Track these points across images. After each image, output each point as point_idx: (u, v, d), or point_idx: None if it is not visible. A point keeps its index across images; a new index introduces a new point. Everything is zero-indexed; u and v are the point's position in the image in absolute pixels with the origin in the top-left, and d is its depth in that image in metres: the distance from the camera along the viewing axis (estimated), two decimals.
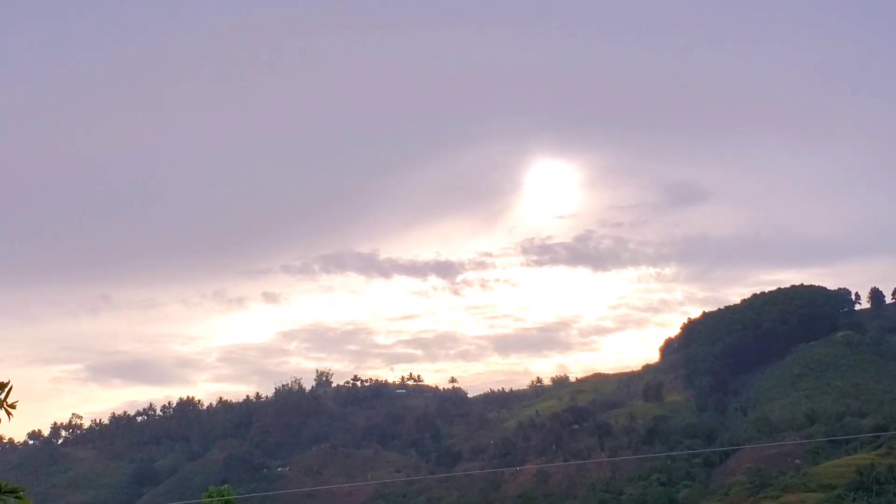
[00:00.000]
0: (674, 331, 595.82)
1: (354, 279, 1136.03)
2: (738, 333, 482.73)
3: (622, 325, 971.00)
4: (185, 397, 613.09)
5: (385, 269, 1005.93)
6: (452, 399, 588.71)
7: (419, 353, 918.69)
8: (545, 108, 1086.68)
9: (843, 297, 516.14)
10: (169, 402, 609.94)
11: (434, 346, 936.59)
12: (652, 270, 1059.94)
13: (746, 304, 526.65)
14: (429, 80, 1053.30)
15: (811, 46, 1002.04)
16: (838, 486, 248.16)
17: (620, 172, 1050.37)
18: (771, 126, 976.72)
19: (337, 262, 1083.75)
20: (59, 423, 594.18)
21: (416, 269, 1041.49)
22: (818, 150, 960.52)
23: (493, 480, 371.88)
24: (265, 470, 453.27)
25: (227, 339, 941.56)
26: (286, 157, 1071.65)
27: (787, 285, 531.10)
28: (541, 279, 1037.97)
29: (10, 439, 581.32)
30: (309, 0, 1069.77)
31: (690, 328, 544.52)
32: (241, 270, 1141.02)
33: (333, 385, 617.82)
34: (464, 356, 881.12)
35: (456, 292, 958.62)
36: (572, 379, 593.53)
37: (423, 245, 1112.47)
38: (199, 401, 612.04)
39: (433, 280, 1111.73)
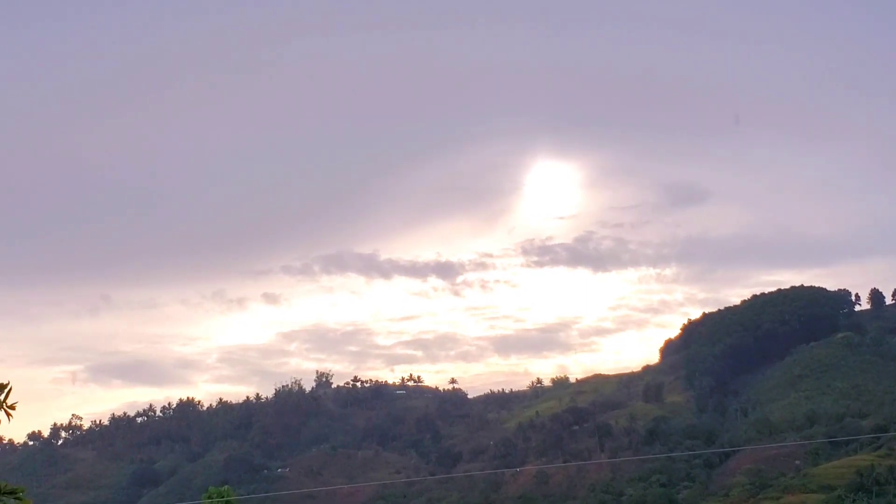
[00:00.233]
0: (674, 332, 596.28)
1: (355, 280, 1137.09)
2: (738, 334, 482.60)
3: (622, 325, 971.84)
4: (185, 398, 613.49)
5: (385, 269, 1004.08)
6: (452, 400, 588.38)
7: (419, 353, 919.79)
8: (545, 109, 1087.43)
9: (843, 298, 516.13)
10: (169, 403, 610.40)
11: (434, 346, 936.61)
12: (652, 271, 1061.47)
13: (746, 304, 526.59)
14: (429, 81, 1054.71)
15: (812, 46, 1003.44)
16: (838, 487, 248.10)
17: (621, 173, 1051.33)
18: (771, 126, 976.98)
19: (337, 263, 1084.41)
20: (59, 423, 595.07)
21: (417, 270, 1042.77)
22: (818, 151, 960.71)
23: (494, 481, 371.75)
24: (265, 471, 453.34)
25: (228, 339, 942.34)
26: (286, 158, 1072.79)
27: (788, 286, 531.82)
28: (541, 280, 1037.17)
29: (9, 440, 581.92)
30: (309, 0, 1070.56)
31: (690, 329, 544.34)
32: (241, 271, 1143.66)
33: (333, 386, 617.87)
34: (464, 357, 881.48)
35: (456, 293, 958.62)
36: (572, 380, 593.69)
37: (423, 246, 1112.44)
38: (199, 402, 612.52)
39: (433, 281, 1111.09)
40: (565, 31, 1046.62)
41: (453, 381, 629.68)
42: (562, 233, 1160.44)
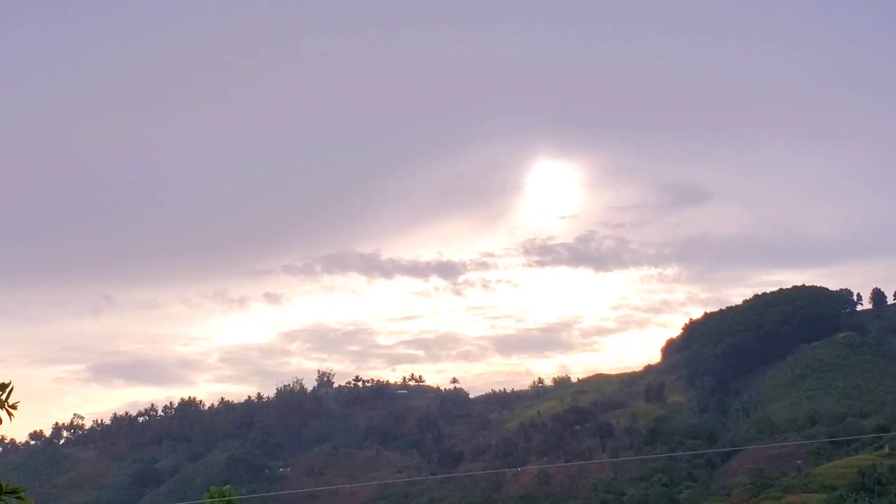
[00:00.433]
0: (675, 331, 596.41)
1: (356, 279, 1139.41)
2: (739, 334, 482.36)
3: (624, 325, 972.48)
4: (187, 398, 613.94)
5: (387, 269, 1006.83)
6: (454, 399, 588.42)
7: (421, 353, 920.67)
8: (547, 109, 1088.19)
9: (844, 298, 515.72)
10: (170, 403, 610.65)
11: (435, 346, 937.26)
12: (653, 271, 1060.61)
13: (748, 304, 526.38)
14: (430, 80, 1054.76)
15: (813, 46, 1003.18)
16: (840, 487, 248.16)
17: (622, 173, 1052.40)
18: (773, 126, 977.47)
19: (338, 263, 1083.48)
20: (60, 423, 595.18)
21: (418, 270, 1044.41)
22: (820, 151, 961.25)
23: (495, 481, 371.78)
24: (267, 470, 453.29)
25: (229, 339, 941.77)
26: (288, 158, 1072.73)
27: (789, 286, 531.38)
28: (542, 280, 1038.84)
29: (11, 440, 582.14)
30: (309, 0, 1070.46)
31: (692, 329, 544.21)
32: (242, 271, 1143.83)
33: (335, 385, 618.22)
34: (465, 357, 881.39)
35: (457, 293, 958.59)
36: (574, 379, 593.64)
37: (424, 245, 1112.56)
38: (200, 401, 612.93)
39: (435, 280, 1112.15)
40: (566, 31, 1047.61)
41: (455, 380, 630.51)
42: (563, 232, 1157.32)
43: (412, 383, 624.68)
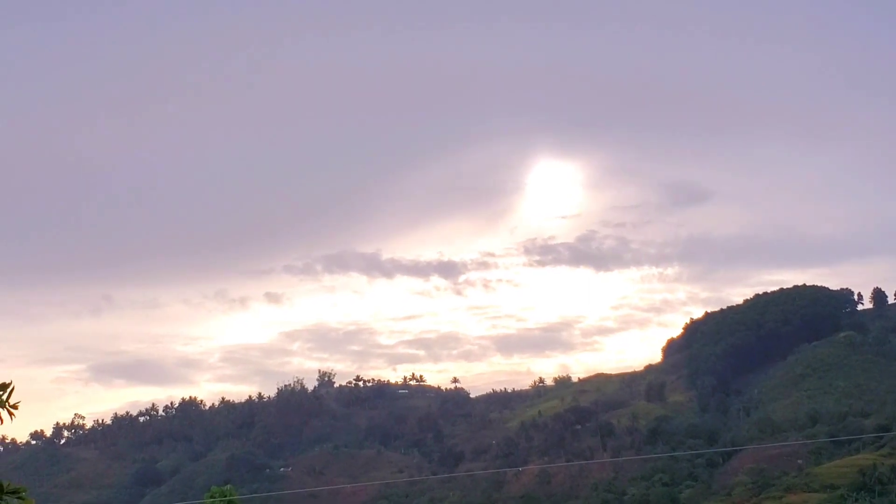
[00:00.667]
0: (676, 331, 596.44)
1: (357, 279, 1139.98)
2: (740, 334, 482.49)
3: (624, 325, 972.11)
4: (188, 397, 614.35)
5: (387, 269, 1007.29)
6: (455, 399, 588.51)
7: (421, 353, 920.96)
8: (547, 109, 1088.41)
9: (845, 298, 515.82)
10: (171, 403, 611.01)
11: (436, 346, 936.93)
12: (654, 270, 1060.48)
13: (749, 304, 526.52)
14: (431, 80, 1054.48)
15: (813, 46, 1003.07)
16: (841, 487, 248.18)
17: (623, 172, 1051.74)
18: (773, 126, 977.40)
19: (339, 263, 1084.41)
20: (61, 423, 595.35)
21: (419, 270, 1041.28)
22: (820, 151, 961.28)
23: (496, 481, 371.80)
24: (268, 470, 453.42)
25: (230, 339, 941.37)
26: (288, 158, 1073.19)
27: (790, 285, 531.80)
28: (543, 279, 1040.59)
29: (12, 439, 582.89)
30: (310, 0, 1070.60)
31: (693, 328, 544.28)
32: (243, 270, 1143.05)
33: (336, 385, 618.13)
34: (466, 356, 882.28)
35: (458, 292, 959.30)
36: (575, 379, 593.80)
37: (425, 245, 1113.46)
38: (201, 401, 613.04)
39: (435, 280, 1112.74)
40: (567, 31, 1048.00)
41: (455, 380, 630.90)
42: (564, 232, 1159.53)
43: (413, 383, 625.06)
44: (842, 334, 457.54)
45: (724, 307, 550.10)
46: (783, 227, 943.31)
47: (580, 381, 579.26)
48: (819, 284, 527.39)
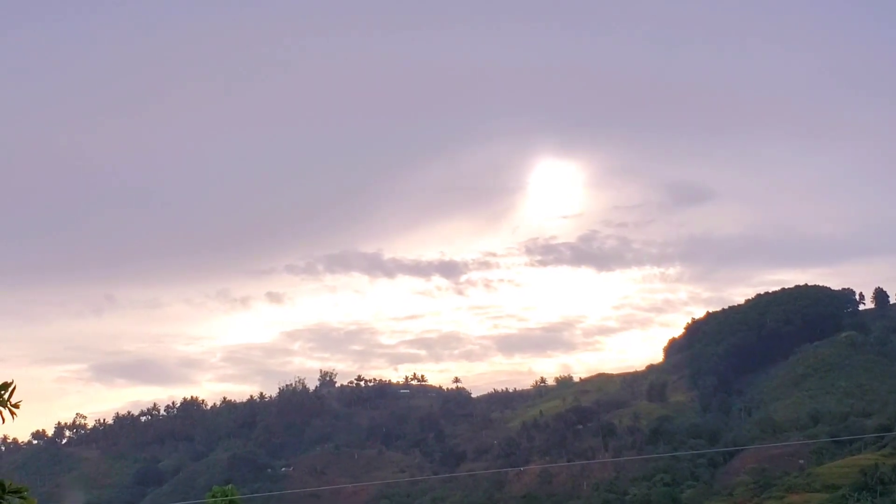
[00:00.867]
0: (678, 331, 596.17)
1: (358, 279, 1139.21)
2: (742, 333, 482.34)
3: (626, 325, 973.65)
4: (189, 397, 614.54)
5: (389, 268, 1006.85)
6: (456, 399, 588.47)
7: (423, 353, 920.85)
8: (549, 108, 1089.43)
9: (847, 298, 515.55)
10: (173, 402, 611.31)
11: (438, 346, 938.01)
12: (656, 270, 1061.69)
13: (750, 304, 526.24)
14: (432, 80, 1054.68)
15: (815, 46, 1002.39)
16: (842, 487, 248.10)
17: (624, 172, 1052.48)
18: (775, 126, 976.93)
19: (341, 262, 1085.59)
20: (63, 422, 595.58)
21: (420, 269, 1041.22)
22: (822, 150, 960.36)
23: (497, 480, 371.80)
24: (269, 470, 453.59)
25: (231, 338, 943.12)
26: (290, 157, 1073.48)
27: (791, 285, 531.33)
28: (545, 279, 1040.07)
29: (14, 439, 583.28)
30: (311, 0, 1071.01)
31: (694, 328, 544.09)
32: (244, 270, 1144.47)
33: (337, 385, 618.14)
34: (467, 356, 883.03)
35: (460, 292, 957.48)
36: (576, 379, 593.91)
37: (426, 245, 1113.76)
38: (202, 401, 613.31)
39: (437, 280, 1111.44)
40: (568, 31, 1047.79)
41: (457, 380, 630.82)
42: (565, 232, 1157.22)
43: (414, 383, 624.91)
44: (843, 334, 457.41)
45: (726, 307, 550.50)
46: (785, 227, 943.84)
47: (581, 380, 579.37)
48: (820, 284, 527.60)
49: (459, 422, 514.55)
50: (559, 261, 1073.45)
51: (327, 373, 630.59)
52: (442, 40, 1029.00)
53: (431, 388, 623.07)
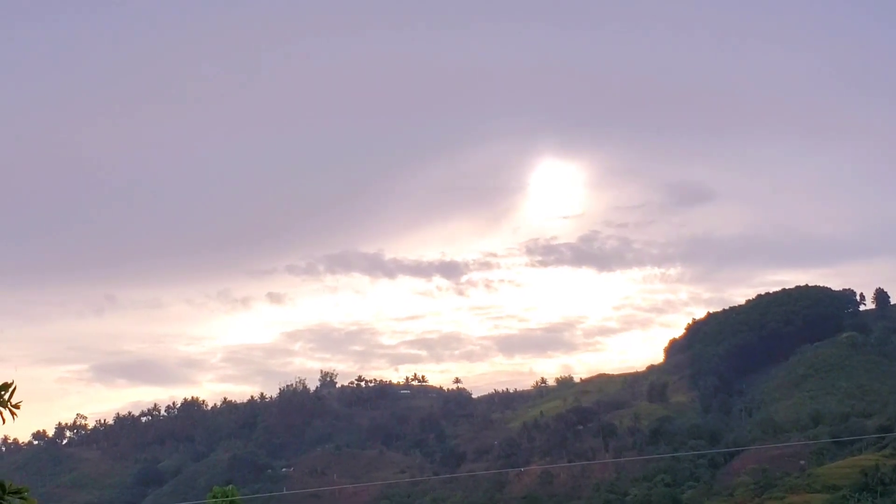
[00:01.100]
0: (678, 331, 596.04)
1: (359, 279, 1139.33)
2: (742, 334, 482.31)
3: (627, 325, 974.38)
4: (190, 397, 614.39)
5: (390, 269, 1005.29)
6: (457, 399, 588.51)
7: (424, 353, 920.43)
8: (550, 109, 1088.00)
9: (847, 298, 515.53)
10: (173, 403, 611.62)
11: (438, 346, 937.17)
12: (657, 271, 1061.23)
13: (751, 304, 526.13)
14: (433, 80, 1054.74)
15: (816, 46, 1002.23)
16: (843, 487, 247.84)
17: (625, 173, 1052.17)
18: (776, 126, 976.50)
19: (342, 263, 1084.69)
20: (63, 423, 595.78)
21: (421, 270, 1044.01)
22: (823, 151, 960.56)
23: (498, 481, 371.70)
24: (270, 470, 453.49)
25: (232, 339, 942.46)
26: (291, 157, 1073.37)
27: (792, 286, 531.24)
28: (545, 279, 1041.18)
29: (14, 439, 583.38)
30: (311, 0, 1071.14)
31: (695, 329, 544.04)
32: (245, 270, 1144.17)
33: (338, 385, 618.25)
34: (468, 357, 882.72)
35: (460, 293, 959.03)
36: (577, 379, 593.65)
37: (427, 245, 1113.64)
38: (203, 401, 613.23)
39: (438, 280, 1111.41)
40: (569, 31, 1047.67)
41: (457, 380, 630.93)
42: (566, 232, 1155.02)
43: (415, 383, 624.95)
44: (844, 335, 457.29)
45: (727, 307, 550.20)
46: (785, 228, 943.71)
47: (582, 381, 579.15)
48: (821, 285, 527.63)
49: (460, 422, 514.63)
50: (560, 261, 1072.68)
51: (328, 373, 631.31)
52: (442, 40, 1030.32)
53: (432, 388, 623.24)
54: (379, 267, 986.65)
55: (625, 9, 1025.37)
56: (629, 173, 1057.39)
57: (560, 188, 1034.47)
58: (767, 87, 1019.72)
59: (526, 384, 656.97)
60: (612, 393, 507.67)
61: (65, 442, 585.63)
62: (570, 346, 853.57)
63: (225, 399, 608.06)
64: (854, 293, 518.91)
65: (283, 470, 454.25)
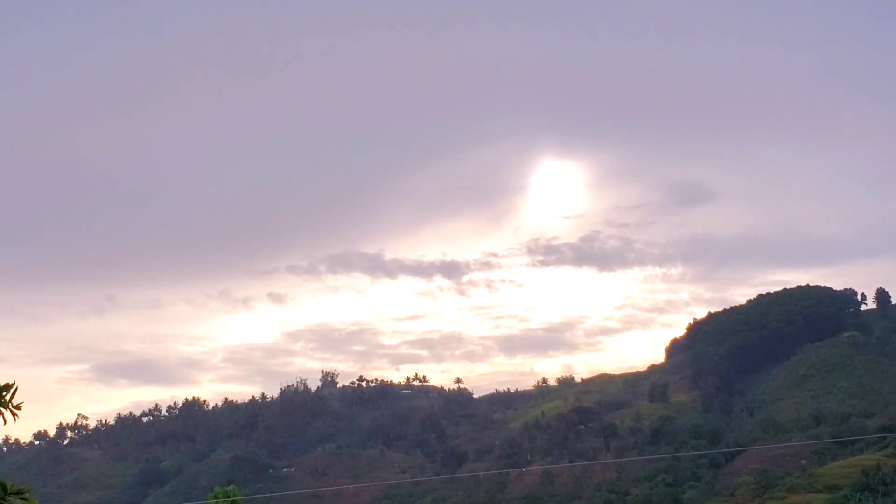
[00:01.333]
0: (679, 331, 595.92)
1: (360, 279, 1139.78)
2: (743, 334, 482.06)
3: (628, 325, 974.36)
4: (191, 398, 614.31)
5: (390, 269, 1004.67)
6: (458, 399, 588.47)
7: (424, 353, 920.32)
8: (551, 108, 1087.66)
9: (848, 298, 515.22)
10: (174, 403, 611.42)
11: (439, 346, 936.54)
12: (657, 271, 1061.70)
13: (752, 304, 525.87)
14: (434, 80, 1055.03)
15: (817, 46, 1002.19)
16: (844, 487, 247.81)
17: (626, 173, 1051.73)
18: (777, 126, 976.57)
19: (342, 263, 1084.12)
20: (64, 423, 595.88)
21: (422, 270, 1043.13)
22: (824, 151, 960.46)
23: (499, 481, 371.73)
24: (271, 470, 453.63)
25: (233, 339, 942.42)
26: (291, 157, 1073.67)
27: (793, 286, 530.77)
28: (546, 279, 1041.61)
29: (15, 440, 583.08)
30: (312, 0, 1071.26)
31: (696, 329, 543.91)
32: (246, 271, 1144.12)
33: (339, 385, 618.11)
34: (469, 357, 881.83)
35: (461, 293, 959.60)
36: (578, 379, 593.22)
37: (428, 245, 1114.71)
38: (204, 401, 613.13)
39: (439, 280, 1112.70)
40: (569, 31, 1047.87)
41: (458, 380, 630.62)
42: (567, 232, 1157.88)
43: (416, 383, 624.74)
44: (845, 335, 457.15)
45: (728, 307, 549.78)
46: (786, 227, 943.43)
47: (583, 381, 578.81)
48: (822, 285, 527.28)
49: (461, 422, 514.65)
50: (561, 261, 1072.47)
51: (329, 373, 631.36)
52: (443, 40, 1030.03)
53: (433, 388, 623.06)
54: (380, 267, 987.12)
55: (625, 9, 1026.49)
56: (630, 173, 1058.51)
57: (561, 188, 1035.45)
58: (767, 87, 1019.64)
59: (527, 384, 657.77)
60: (613, 393, 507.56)
61: (66, 442, 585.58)
62: (571, 346, 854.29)
63: (226, 399, 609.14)
64: (855, 293, 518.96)
65: (285, 470, 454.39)
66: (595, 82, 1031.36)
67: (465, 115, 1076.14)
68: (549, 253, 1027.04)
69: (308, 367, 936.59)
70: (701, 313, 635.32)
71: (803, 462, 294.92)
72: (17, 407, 16.34)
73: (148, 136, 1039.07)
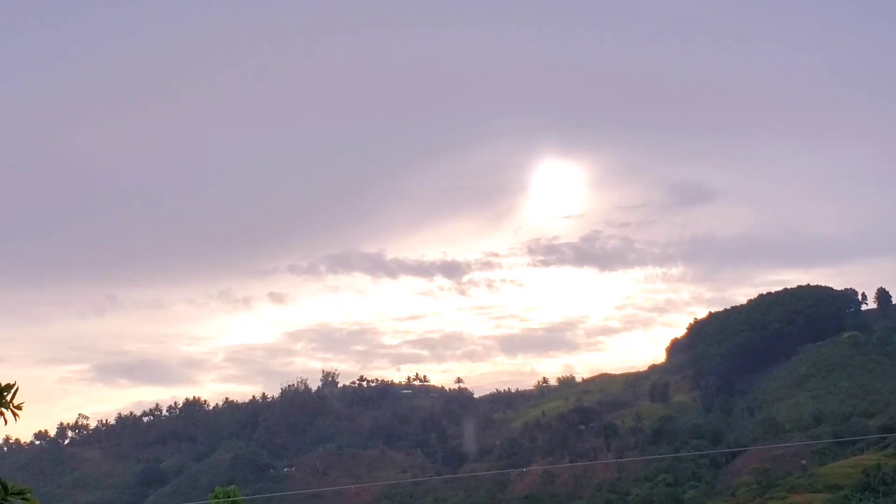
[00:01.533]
0: (680, 331, 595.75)
1: (361, 279, 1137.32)
2: (744, 334, 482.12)
3: (628, 325, 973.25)
4: (192, 397, 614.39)
5: (391, 269, 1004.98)
6: (458, 399, 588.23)
7: (425, 353, 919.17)
8: (551, 108, 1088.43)
9: (849, 298, 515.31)
10: (175, 403, 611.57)
11: (440, 346, 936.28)
12: (658, 270, 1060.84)
13: (753, 304, 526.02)
14: (435, 80, 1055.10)
15: (818, 46, 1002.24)
16: (845, 487, 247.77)
17: (627, 172, 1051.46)
18: (778, 126, 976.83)
19: (343, 263, 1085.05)
20: (65, 423, 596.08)
21: (423, 270, 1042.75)
22: (825, 150, 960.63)
23: (500, 481, 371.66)
24: (271, 470, 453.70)
25: (234, 339, 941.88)
26: (292, 157, 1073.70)
27: (794, 285, 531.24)
28: (547, 279, 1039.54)
29: (16, 440, 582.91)
30: (313, 0, 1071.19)
31: (697, 328, 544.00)
32: (247, 271, 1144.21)
33: (339, 385, 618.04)
34: (470, 356, 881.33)
35: (462, 292, 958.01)
36: (578, 379, 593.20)
37: (429, 245, 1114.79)
38: (205, 401, 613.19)
39: (439, 280, 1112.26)
40: (571, 31, 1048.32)
41: (459, 380, 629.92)
42: (568, 232, 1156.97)
43: (417, 383, 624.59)
44: (846, 334, 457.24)
45: (728, 307, 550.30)
46: (787, 227, 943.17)
47: (584, 381, 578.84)
48: (823, 284, 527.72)
49: (462, 422, 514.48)
50: (561, 261, 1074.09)
51: (329, 373, 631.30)
52: (443, 40, 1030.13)
53: (434, 388, 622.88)
54: (380, 267, 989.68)
55: (625, 9, 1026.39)
56: (630, 173, 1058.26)
57: (561, 188, 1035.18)
58: (768, 87, 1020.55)
59: (528, 384, 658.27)
60: (613, 393, 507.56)
61: (66, 442, 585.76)
62: (571, 346, 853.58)
63: (227, 399, 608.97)
64: (856, 293, 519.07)
65: (285, 470, 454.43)
66: (595, 82, 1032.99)
67: (465, 115, 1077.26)
68: (549, 253, 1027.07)
69: (309, 367, 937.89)
70: (702, 313, 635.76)
71: (804, 462, 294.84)
72: (18, 407, 16.34)
73: (148, 137, 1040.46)
